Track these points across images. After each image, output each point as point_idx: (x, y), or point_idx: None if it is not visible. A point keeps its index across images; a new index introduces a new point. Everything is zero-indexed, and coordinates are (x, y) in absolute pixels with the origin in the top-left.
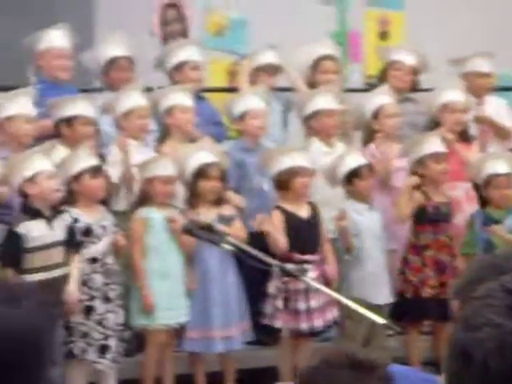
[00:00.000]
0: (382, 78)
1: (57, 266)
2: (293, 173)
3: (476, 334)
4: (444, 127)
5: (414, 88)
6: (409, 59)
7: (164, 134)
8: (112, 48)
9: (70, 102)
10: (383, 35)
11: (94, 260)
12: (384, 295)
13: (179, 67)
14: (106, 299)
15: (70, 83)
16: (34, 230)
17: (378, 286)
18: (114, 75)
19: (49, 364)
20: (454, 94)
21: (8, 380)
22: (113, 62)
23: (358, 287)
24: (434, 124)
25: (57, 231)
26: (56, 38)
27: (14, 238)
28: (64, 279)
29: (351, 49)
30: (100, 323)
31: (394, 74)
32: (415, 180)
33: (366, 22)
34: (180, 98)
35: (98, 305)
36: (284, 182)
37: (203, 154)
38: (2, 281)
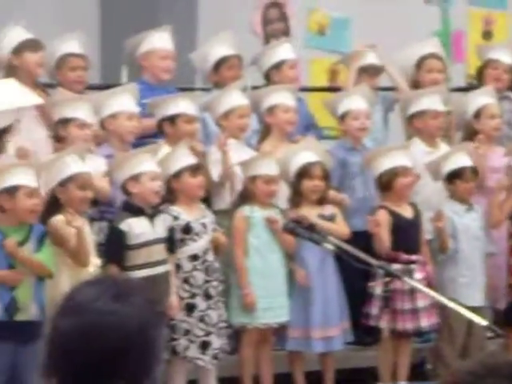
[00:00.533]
0: (480, 77)
1: (159, 263)
2: (395, 173)
3: None
4: None
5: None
6: (506, 58)
7: (264, 133)
8: (223, 47)
9: (172, 101)
10: (487, 35)
11: (194, 257)
12: (477, 298)
13: (277, 66)
14: (207, 296)
15: (169, 84)
16: (136, 228)
17: (471, 288)
18: (225, 74)
19: (155, 360)
20: None
21: (115, 375)
22: (224, 61)
23: (450, 288)
24: None
25: (158, 229)
26: (160, 40)
27: (117, 235)
28: (166, 276)
29: (454, 48)
30: (202, 320)
31: (492, 72)
32: (505, 181)
33: (470, 22)
34: (283, 98)
35: (200, 302)
36: (386, 183)
37: (307, 153)
38: (111, 277)
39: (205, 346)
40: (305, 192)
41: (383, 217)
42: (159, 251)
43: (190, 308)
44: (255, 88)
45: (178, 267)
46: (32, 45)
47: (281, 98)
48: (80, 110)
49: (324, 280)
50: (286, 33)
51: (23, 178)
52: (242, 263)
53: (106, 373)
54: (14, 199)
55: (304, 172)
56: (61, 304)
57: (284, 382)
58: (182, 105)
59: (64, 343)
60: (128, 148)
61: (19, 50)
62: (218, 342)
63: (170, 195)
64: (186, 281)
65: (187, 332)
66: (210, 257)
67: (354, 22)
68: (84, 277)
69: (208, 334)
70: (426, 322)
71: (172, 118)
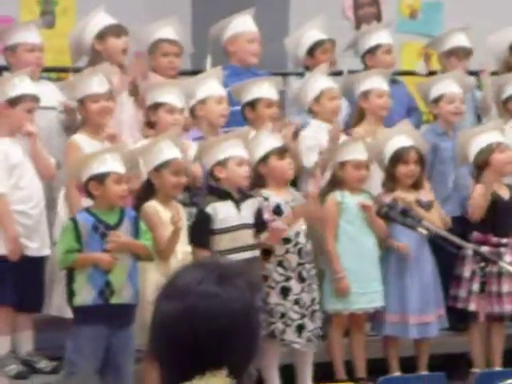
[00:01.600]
0: None
1: (245, 248)
2: (491, 150)
3: None
4: None
5: None
6: None
7: (358, 118)
8: (316, 31)
9: (252, 86)
10: None
11: (287, 240)
12: None
13: (372, 51)
14: (301, 279)
15: (260, 68)
16: (222, 212)
17: None
18: (319, 58)
19: (257, 344)
20: None
21: (220, 359)
22: (319, 45)
23: None
24: None
25: (244, 214)
26: (245, 23)
27: (203, 219)
28: (253, 262)
29: None
30: (296, 303)
31: None
32: None
33: None
34: (377, 82)
35: (294, 285)
36: (483, 161)
37: (401, 137)
38: (213, 260)
39: (300, 328)
40: (399, 177)
41: (480, 190)
42: (245, 237)
43: (284, 291)
44: (352, 73)
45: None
46: (116, 30)
47: (375, 82)
48: (169, 94)
49: (421, 265)
50: (377, 17)
51: (111, 164)
52: (333, 248)
53: (210, 357)
54: (103, 186)
55: (399, 156)
56: (164, 287)
57: (377, 368)
58: (261, 89)
59: (167, 327)
60: (218, 132)
61: (103, 35)
62: (311, 325)
63: (259, 180)
64: (279, 264)
65: (283, 315)
66: (302, 239)
67: (446, 5)
68: (172, 264)
69: (303, 316)
70: (509, 306)
71: (252, 102)
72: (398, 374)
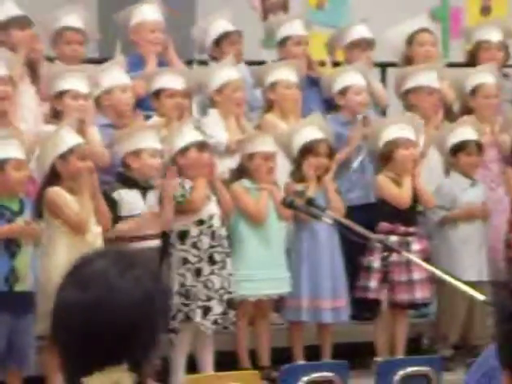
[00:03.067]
0: (473, 59)
1: (148, 237)
2: (396, 145)
3: None
4: None
5: (506, 64)
6: (495, 36)
7: (266, 108)
8: (223, 22)
9: (157, 75)
10: (485, 10)
11: (200, 222)
12: (474, 272)
13: (282, 43)
14: (212, 261)
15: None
16: (128, 199)
17: (468, 262)
18: (226, 49)
19: (158, 334)
20: None
21: (120, 352)
22: (226, 36)
23: (446, 261)
24: None
25: (150, 203)
26: (149, 12)
27: (110, 204)
28: (158, 251)
29: (453, 24)
30: (205, 285)
31: (484, 54)
32: None
33: None
34: (285, 74)
35: (205, 266)
36: (387, 154)
37: (312, 129)
38: (116, 250)
39: (206, 311)
40: (308, 168)
41: (385, 181)
42: (153, 225)
43: (197, 272)
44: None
45: (187, 232)
46: (20, 22)
47: (283, 74)
48: (74, 81)
49: (332, 252)
50: (284, 7)
51: (12, 150)
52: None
53: (110, 351)
54: (3, 172)
55: (309, 148)
56: (67, 275)
57: (284, 356)
58: (164, 79)
59: (68, 317)
60: (127, 121)
61: (6, 26)
62: (219, 309)
63: (179, 170)
64: (194, 245)
65: (194, 297)
66: (216, 222)
67: None
68: (83, 246)
69: (209, 299)
70: (420, 294)
71: (157, 92)
72: (301, 362)
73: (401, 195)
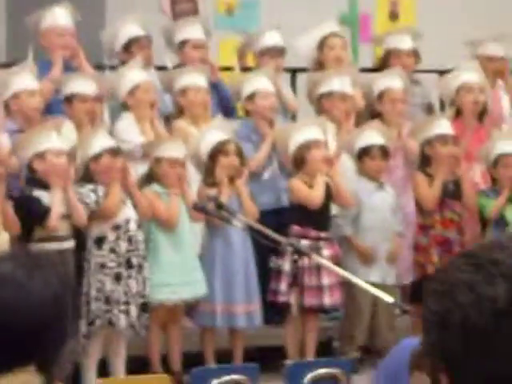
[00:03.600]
0: (384, 64)
1: (64, 238)
2: (308, 146)
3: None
4: (463, 108)
5: (416, 68)
6: (405, 43)
7: (177, 114)
8: (132, 27)
9: (68, 80)
10: (393, 16)
11: (117, 227)
12: (378, 274)
13: (181, 46)
14: (129, 266)
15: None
16: (44, 200)
17: (372, 264)
18: (136, 53)
19: (67, 335)
20: (470, 75)
21: (27, 351)
22: (135, 41)
23: (350, 265)
24: (452, 105)
25: (64, 205)
26: (58, 17)
27: (34, 201)
28: (68, 253)
29: (362, 30)
30: (124, 290)
31: (394, 62)
32: None
33: (376, 3)
34: (194, 79)
35: (123, 271)
36: (299, 157)
37: (218, 132)
38: (25, 251)
39: (125, 313)
40: (220, 169)
41: (298, 184)
42: (65, 227)
43: (116, 277)
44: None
45: (104, 238)
46: None
47: (192, 78)
48: None
49: (245, 256)
50: (194, 13)
51: None
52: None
53: (17, 352)
54: None
55: (218, 149)
56: None
57: (194, 361)
58: (76, 84)
59: None
60: (35, 125)
61: None
62: (135, 313)
63: (87, 175)
64: (111, 250)
65: (118, 302)
66: (133, 226)
67: (262, 2)
68: None
69: (127, 303)
70: (328, 299)
71: (68, 97)
72: (213, 365)
73: (312, 195)
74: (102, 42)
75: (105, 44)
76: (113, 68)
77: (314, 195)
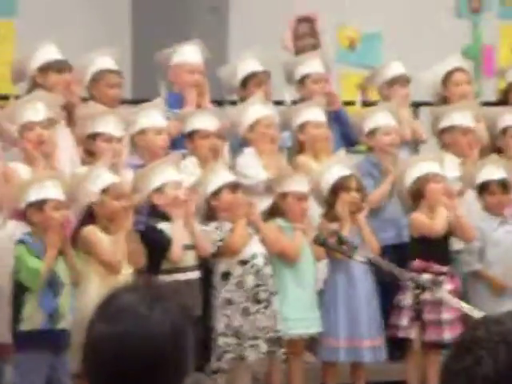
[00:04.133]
0: (507, 98)
1: (190, 268)
2: (426, 179)
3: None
4: None
5: None
6: None
7: (297, 150)
8: (251, 63)
9: (191, 116)
10: None
11: (244, 262)
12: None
13: (302, 81)
14: (257, 300)
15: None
16: (168, 231)
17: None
18: (253, 89)
19: (187, 369)
20: None
21: (152, 376)
22: (253, 76)
23: (479, 299)
24: None
25: (187, 236)
26: (189, 53)
27: (157, 236)
28: (192, 284)
29: (485, 63)
30: (253, 324)
31: None
32: None
33: (501, 36)
34: (313, 114)
35: (251, 306)
36: (418, 190)
37: (340, 167)
38: (147, 283)
39: (256, 348)
40: (341, 205)
41: (419, 216)
42: (188, 258)
43: (245, 312)
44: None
45: (229, 273)
46: (58, 66)
47: (311, 114)
48: (107, 124)
49: (367, 291)
50: (316, 48)
51: (51, 191)
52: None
53: (140, 381)
54: (43, 212)
55: (340, 185)
56: (97, 308)
57: None
58: (197, 121)
59: (97, 350)
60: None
61: (45, 69)
62: (264, 347)
63: (210, 212)
64: (238, 285)
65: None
66: (260, 261)
67: (385, 36)
68: (115, 285)
69: (256, 338)
70: (449, 333)
71: (190, 133)
72: None
73: (433, 224)
74: (221, 78)
75: (223, 80)
76: (232, 103)
77: (436, 224)
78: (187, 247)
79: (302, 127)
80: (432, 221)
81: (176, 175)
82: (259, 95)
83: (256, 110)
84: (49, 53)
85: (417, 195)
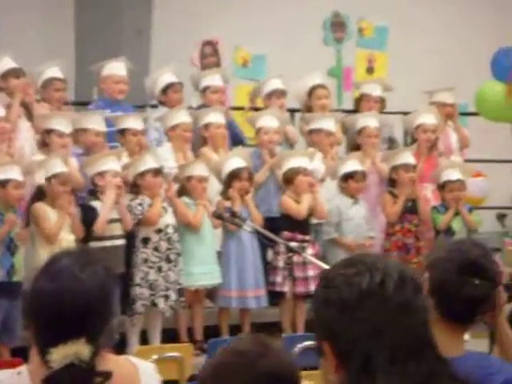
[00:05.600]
0: (358, 105)
1: (116, 237)
2: (297, 172)
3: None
4: (418, 143)
5: (381, 111)
6: (375, 91)
7: (200, 144)
8: (169, 75)
9: (121, 118)
10: (370, 70)
11: (159, 231)
12: None
13: (204, 91)
14: (168, 260)
15: (125, 101)
16: (98, 207)
17: None
18: (171, 96)
19: (111, 316)
20: (427, 117)
21: (79, 330)
22: (171, 86)
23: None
24: (411, 140)
25: (115, 211)
26: (116, 67)
27: (90, 209)
28: (122, 248)
29: (345, 80)
30: (165, 279)
31: (365, 104)
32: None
33: (357, 60)
34: (215, 117)
35: (164, 264)
36: (289, 178)
37: (237, 159)
38: (80, 250)
39: (166, 298)
40: (233, 190)
41: (286, 200)
42: (115, 228)
43: (159, 269)
44: (199, 108)
45: (148, 239)
46: (16, 72)
47: (213, 117)
48: (59, 122)
49: (253, 253)
50: (217, 65)
51: (13, 173)
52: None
53: (72, 327)
54: (4, 190)
55: (234, 174)
56: (41, 269)
57: (212, 333)
58: (128, 122)
59: (39, 302)
60: (96, 151)
61: (6, 75)
62: (174, 296)
63: (136, 189)
64: (155, 249)
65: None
66: (171, 230)
67: (269, 57)
68: (57, 249)
69: (168, 289)
70: (314, 287)
71: (121, 130)
72: (226, 337)
73: (299, 209)
74: (145, 87)
75: (147, 88)
76: (153, 107)
77: (301, 209)
78: (115, 220)
79: (206, 127)
80: (298, 205)
81: (116, 165)
82: (182, 105)
83: (179, 115)
84: (7, 63)
85: (287, 182)
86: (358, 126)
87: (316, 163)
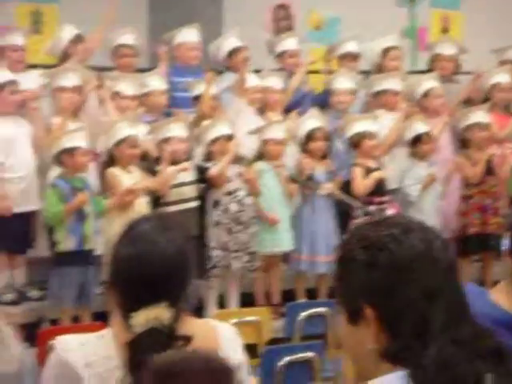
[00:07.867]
0: (431, 66)
1: (187, 200)
2: (363, 136)
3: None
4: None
5: (456, 72)
6: (449, 50)
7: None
8: (234, 39)
9: (194, 84)
10: (444, 30)
11: (229, 193)
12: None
13: (280, 55)
14: (239, 222)
15: (197, 67)
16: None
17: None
18: (236, 60)
19: (189, 279)
20: (502, 76)
21: (161, 291)
22: (235, 51)
23: None
24: (485, 99)
25: (186, 174)
26: (189, 34)
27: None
28: (195, 210)
29: (420, 40)
30: (235, 241)
31: (438, 64)
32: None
33: (431, 20)
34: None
35: (234, 226)
36: (356, 143)
37: (312, 120)
38: (157, 214)
39: (237, 260)
40: (311, 151)
41: (357, 172)
42: (188, 191)
43: (228, 231)
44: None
45: (219, 201)
46: (81, 38)
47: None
48: (127, 86)
49: (327, 218)
50: (290, 29)
51: (80, 141)
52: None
53: (153, 292)
54: (73, 158)
55: (310, 135)
56: (120, 235)
57: (289, 296)
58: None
59: (121, 267)
60: (163, 116)
61: (73, 41)
62: (245, 258)
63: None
64: (225, 211)
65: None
66: (241, 192)
67: (343, 20)
68: (133, 215)
69: (237, 251)
70: None
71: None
72: (303, 300)
73: (359, 186)
74: (210, 53)
75: (212, 54)
76: (220, 72)
77: (361, 186)
78: (187, 184)
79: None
80: (364, 182)
81: (182, 131)
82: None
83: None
84: (73, 30)
85: (354, 146)
86: (422, 88)
87: (386, 124)
